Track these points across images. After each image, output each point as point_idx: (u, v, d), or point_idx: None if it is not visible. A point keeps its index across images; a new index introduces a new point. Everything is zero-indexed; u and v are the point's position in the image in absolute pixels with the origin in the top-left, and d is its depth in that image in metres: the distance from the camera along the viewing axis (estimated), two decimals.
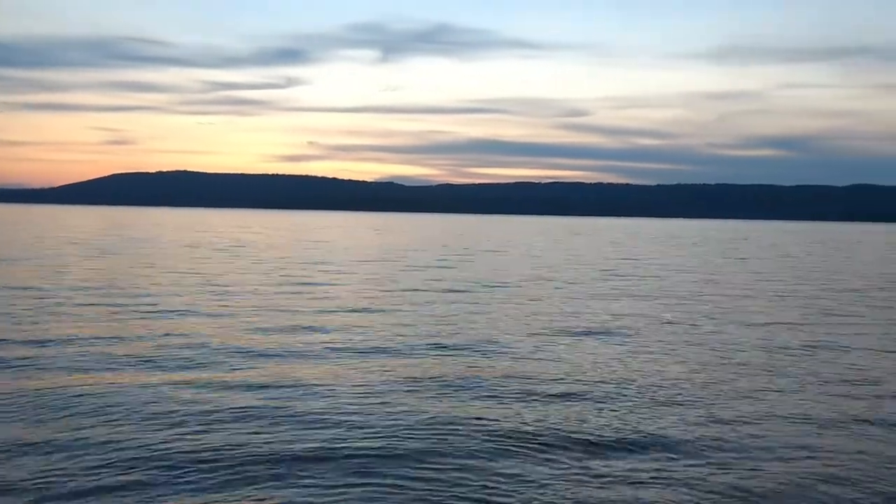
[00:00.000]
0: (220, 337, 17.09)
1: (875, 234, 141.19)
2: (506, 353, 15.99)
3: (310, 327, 18.87)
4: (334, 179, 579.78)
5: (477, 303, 24.84)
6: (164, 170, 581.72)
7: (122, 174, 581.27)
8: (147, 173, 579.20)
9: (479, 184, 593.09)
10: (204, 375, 13.34)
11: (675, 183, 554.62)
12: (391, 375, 13.66)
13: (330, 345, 16.48)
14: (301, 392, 12.28)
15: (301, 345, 16.45)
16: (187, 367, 13.98)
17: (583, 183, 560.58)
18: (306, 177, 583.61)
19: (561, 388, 12.92)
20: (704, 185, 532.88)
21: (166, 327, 18.28)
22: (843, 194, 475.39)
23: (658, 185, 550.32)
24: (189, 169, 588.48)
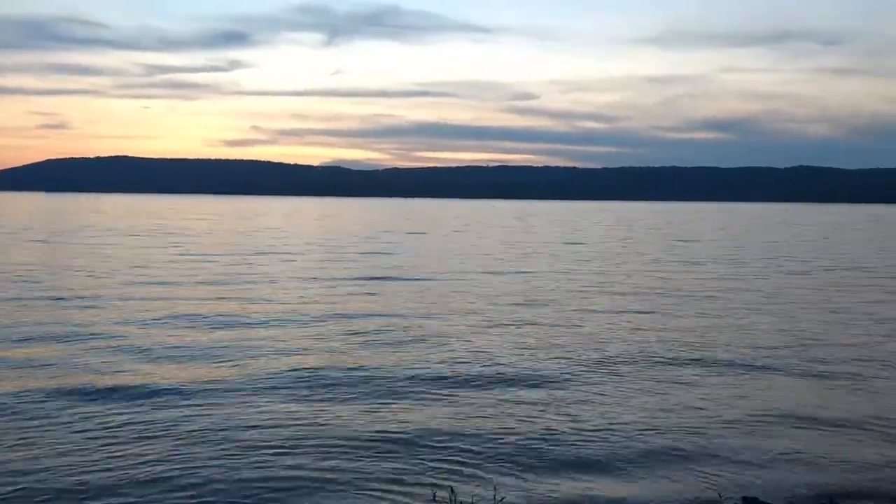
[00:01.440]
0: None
1: (825, 215, 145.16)
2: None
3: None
4: (280, 164, 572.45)
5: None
6: (103, 155, 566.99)
7: (57, 159, 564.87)
8: (85, 158, 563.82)
9: (427, 167, 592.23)
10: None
11: (620, 166, 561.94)
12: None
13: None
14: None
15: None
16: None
17: (530, 167, 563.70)
18: (251, 161, 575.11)
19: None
20: (648, 167, 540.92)
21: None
22: (785, 176, 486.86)
23: (604, 169, 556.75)
24: (129, 154, 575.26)
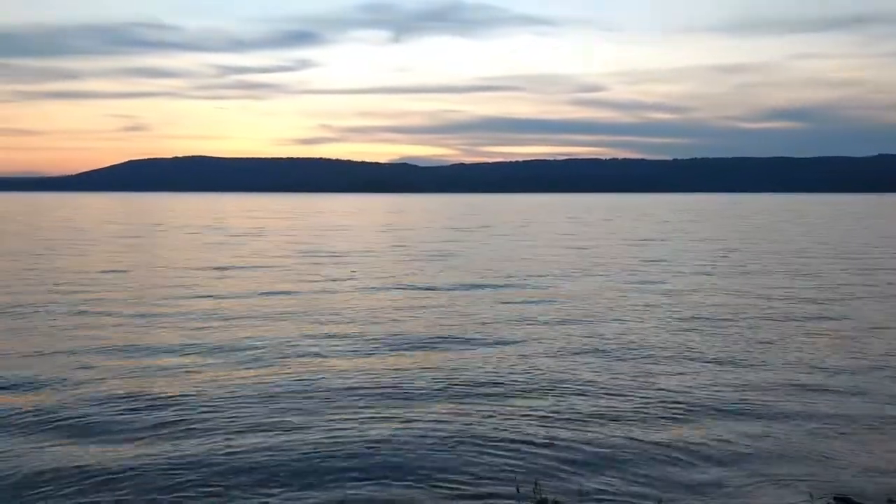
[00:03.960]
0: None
1: None
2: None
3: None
4: (348, 162, 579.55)
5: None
6: (179, 155, 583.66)
7: (137, 160, 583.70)
8: (162, 159, 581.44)
9: (493, 162, 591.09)
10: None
11: (690, 157, 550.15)
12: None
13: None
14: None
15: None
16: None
17: (598, 159, 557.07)
18: (320, 159, 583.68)
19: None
20: (720, 158, 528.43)
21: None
22: (863, 166, 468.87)
23: (674, 160, 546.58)
24: (203, 154, 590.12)
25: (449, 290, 22.85)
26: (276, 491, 8.00)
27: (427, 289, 23.03)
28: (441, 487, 8.10)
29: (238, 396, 11.13)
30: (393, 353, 14.01)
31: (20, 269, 28.21)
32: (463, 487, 8.11)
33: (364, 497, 7.90)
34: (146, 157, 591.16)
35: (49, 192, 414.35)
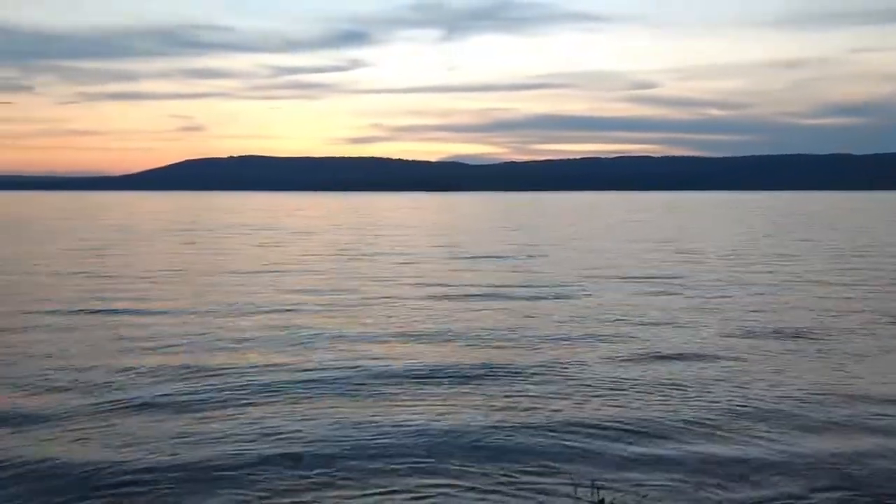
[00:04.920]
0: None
1: None
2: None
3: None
4: (399, 161, 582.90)
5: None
6: (234, 155, 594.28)
7: (194, 160, 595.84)
8: (218, 158, 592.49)
9: (544, 160, 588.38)
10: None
11: (746, 154, 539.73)
12: None
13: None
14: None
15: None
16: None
17: (650, 157, 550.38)
18: (372, 158, 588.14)
19: None
20: (777, 155, 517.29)
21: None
22: None
23: (729, 157, 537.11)
24: (257, 154, 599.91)
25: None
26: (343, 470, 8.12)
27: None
28: (496, 484, 8.12)
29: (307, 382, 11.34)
30: (451, 345, 14.08)
31: (104, 262, 29.07)
32: (519, 485, 8.13)
33: (410, 486, 7.96)
34: (202, 156, 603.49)
35: (110, 191, 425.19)
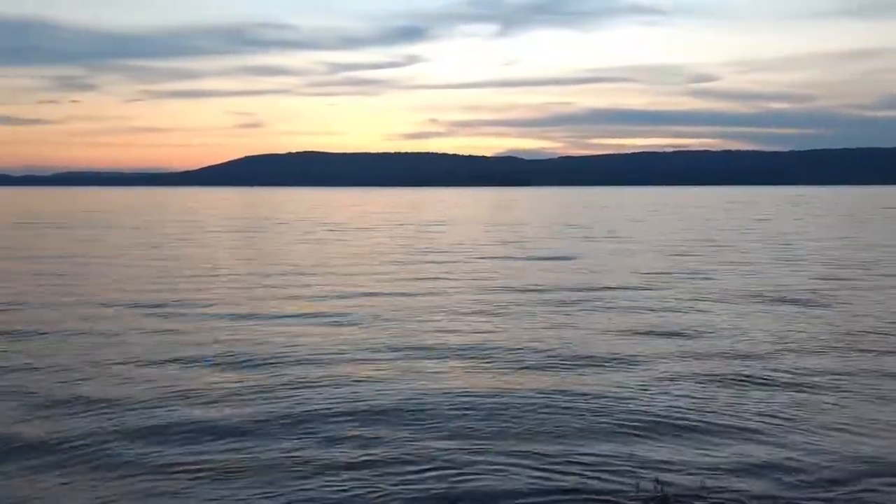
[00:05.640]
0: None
1: None
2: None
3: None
4: (455, 156, 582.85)
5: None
6: (293, 151, 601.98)
7: (254, 156, 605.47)
8: (277, 154, 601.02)
9: (602, 155, 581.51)
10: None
11: (811, 148, 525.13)
12: None
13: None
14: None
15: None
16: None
17: (710, 151, 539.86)
18: (428, 154, 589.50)
19: None
20: (843, 149, 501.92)
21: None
22: None
23: (792, 151, 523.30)
24: (316, 150, 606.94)
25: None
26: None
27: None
28: (556, 481, 8.17)
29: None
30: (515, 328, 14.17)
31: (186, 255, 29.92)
32: (580, 480, 8.18)
33: (468, 487, 8.07)
34: (262, 152, 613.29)
35: (173, 186, 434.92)
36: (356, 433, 9.42)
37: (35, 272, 25.44)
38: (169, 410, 10.30)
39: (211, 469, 8.38)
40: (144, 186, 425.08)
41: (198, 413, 10.18)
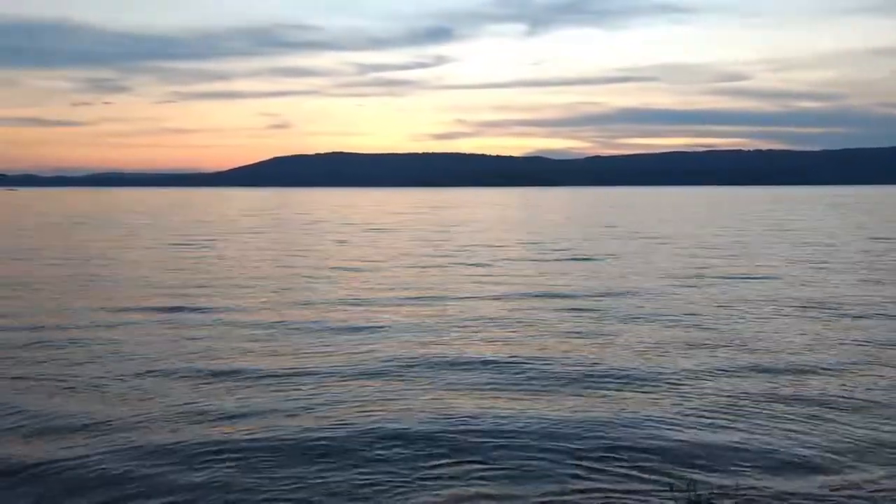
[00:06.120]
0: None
1: None
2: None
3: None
4: (483, 156, 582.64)
5: None
6: (321, 152, 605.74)
7: (282, 157, 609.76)
8: (305, 155, 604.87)
9: (630, 154, 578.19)
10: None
11: (842, 147, 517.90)
12: None
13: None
14: None
15: None
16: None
17: (740, 150, 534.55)
18: (456, 154, 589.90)
19: None
20: (878, 148, 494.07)
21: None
22: None
23: (824, 151, 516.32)
24: (344, 150, 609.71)
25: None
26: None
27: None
28: (592, 481, 8.26)
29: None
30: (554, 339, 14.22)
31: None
32: (615, 480, 8.25)
33: (500, 487, 8.16)
34: (291, 153, 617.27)
35: (202, 187, 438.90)
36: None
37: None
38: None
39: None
40: (175, 187, 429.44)
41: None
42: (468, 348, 14.09)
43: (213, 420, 10.01)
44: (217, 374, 12.23)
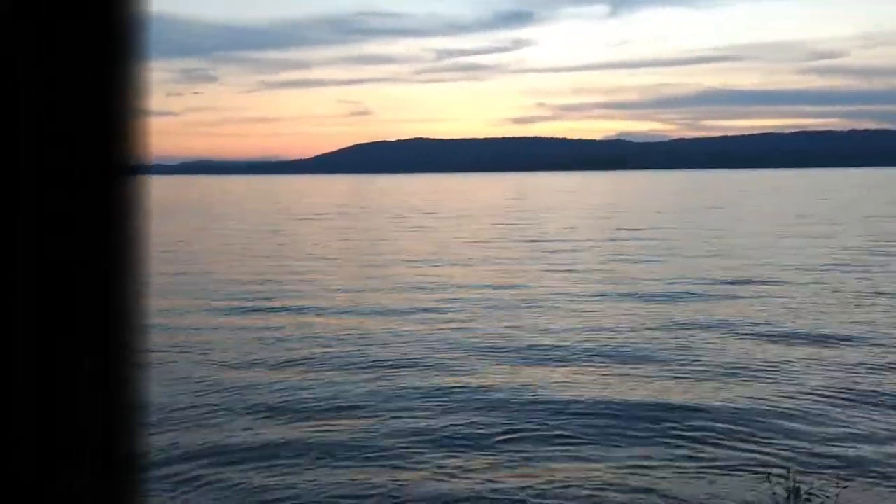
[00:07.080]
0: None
1: None
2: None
3: None
4: (563, 139, 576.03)
5: None
6: (402, 138, 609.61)
7: (364, 144, 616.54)
8: (387, 142, 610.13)
9: (716, 136, 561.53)
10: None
11: None
12: None
13: None
14: None
15: None
16: None
17: (833, 131, 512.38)
18: (535, 138, 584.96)
19: None
20: None
21: None
22: None
23: None
24: (424, 136, 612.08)
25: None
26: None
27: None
28: (686, 476, 8.30)
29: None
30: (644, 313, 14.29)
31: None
32: (711, 473, 8.39)
33: (584, 464, 8.46)
34: (372, 140, 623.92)
35: (287, 174, 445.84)
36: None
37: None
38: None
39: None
40: (258, 175, 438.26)
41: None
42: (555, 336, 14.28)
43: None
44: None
